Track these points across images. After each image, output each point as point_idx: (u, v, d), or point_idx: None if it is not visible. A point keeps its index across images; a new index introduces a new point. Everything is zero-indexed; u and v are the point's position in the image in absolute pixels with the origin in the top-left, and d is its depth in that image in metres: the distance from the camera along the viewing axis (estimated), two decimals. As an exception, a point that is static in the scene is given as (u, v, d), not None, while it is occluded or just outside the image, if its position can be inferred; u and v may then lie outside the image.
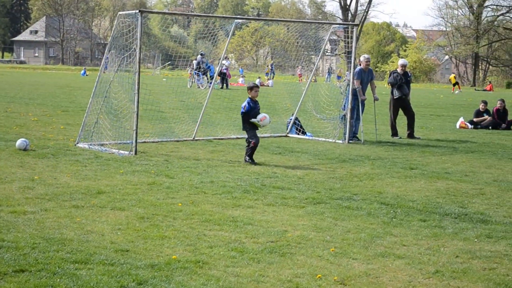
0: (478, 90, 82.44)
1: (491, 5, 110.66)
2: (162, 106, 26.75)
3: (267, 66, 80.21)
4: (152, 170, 13.06)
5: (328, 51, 79.27)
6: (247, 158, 14.52)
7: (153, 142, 17.32)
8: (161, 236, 8.25)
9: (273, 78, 71.97)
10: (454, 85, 71.62)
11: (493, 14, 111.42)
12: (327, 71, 78.68)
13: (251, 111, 14.63)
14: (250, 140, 14.53)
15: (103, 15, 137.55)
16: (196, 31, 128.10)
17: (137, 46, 15.53)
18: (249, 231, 8.71)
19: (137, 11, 15.63)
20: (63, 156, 14.25)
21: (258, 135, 15.11)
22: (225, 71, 48.16)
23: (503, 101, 26.90)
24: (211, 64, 45.40)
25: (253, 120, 14.54)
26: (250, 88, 14.89)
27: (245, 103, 14.76)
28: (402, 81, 21.28)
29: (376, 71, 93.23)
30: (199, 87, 41.66)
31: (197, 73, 43.03)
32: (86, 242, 7.85)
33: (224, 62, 46.22)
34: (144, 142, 16.97)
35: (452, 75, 77.91)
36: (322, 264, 7.45)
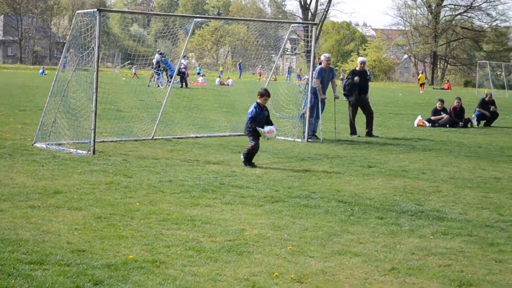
0: (436, 88, 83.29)
1: (449, 4, 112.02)
2: (121, 105, 26.61)
3: (222, 65, 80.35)
4: (110, 169, 12.99)
5: (288, 50, 79.49)
6: (245, 162, 14.16)
7: (111, 141, 17.22)
8: (118, 236, 8.21)
9: (240, 77, 72.20)
10: (421, 85, 72.42)
11: (451, 13, 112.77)
12: (287, 70, 78.97)
13: (257, 116, 14.35)
14: (252, 143, 14.25)
15: (62, 14, 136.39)
16: (156, 30, 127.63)
17: (95, 45, 15.43)
18: (207, 230, 8.71)
19: (96, 10, 15.54)
20: (20, 156, 14.12)
21: (217, 134, 15.01)
22: (183, 70, 48.02)
23: (460, 99, 27.22)
24: (171, 63, 45.22)
25: (259, 129, 14.28)
26: (261, 95, 14.50)
27: (252, 108, 14.43)
28: (350, 90, 21.47)
29: (336, 69, 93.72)
30: (158, 86, 41.53)
31: (157, 72, 42.87)
32: (42, 243, 7.78)
33: (182, 61, 46.07)
34: (103, 141, 16.86)
35: (422, 75, 78.75)
36: (279, 263, 7.47)
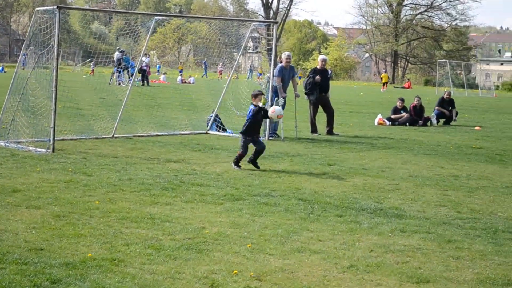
0: (397, 87, 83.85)
1: (409, 3, 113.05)
2: (81, 103, 26.43)
3: (181, 64, 79.98)
4: (70, 168, 12.89)
5: (250, 49, 79.52)
6: (233, 165, 13.92)
7: (71, 139, 17.09)
8: (77, 234, 8.16)
9: (205, 75, 72.09)
10: (384, 84, 72.66)
11: (411, 12, 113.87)
12: (249, 68, 79.01)
13: (257, 114, 14.03)
14: (241, 149, 13.98)
15: (22, 11, 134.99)
16: (118, 28, 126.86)
17: (55, 42, 15.32)
18: (166, 228, 8.69)
19: (55, 7, 15.42)
20: (-22, 154, 13.97)
21: (178, 132, 14.91)
22: (145, 68, 47.83)
23: (419, 98, 27.46)
24: (133, 61, 45.03)
25: (269, 115, 13.99)
26: (255, 96, 14.21)
27: (251, 107, 14.17)
28: (311, 89, 21.55)
29: (298, 68, 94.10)
30: (119, 84, 41.33)
31: (118, 70, 42.66)
32: (-1, 241, 7.72)
33: (144, 59, 45.90)
34: (62, 139, 16.73)
35: (385, 74, 79.07)
36: (239, 260, 7.48)
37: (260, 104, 14.27)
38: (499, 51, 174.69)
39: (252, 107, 14.17)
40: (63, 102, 19.28)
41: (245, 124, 14.21)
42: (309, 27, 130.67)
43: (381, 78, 77.31)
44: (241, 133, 14.24)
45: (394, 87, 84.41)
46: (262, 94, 14.52)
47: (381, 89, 69.97)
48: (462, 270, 7.51)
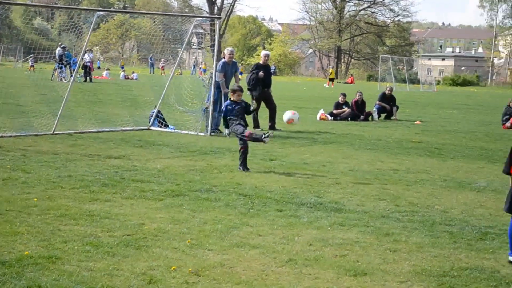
0: (340, 82, 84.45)
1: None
2: (21, 99, 26.06)
3: (123, 59, 79.69)
4: (8, 165, 12.72)
5: (194, 44, 79.35)
6: (240, 167, 13.55)
7: (10, 136, 16.85)
8: (13, 232, 8.06)
9: (153, 72, 71.89)
10: (330, 80, 72.81)
11: (355, 8, 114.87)
12: (192, 64, 78.83)
13: (232, 110, 13.90)
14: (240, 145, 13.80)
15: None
16: (60, 23, 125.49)
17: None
18: (105, 225, 8.64)
19: (-6, 2, 15.20)
20: None
21: (119, 128, 14.77)
22: (88, 64, 47.37)
23: (361, 93, 27.71)
24: (75, 57, 44.58)
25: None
26: (233, 91, 14.09)
27: (225, 105, 14.19)
28: (255, 85, 21.55)
29: (242, 64, 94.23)
30: (61, 80, 40.91)
31: (59, 66, 42.21)
32: None
33: (87, 55, 45.45)
34: (1, 136, 16.51)
35: (333, 70, 79.34)
36: (178, 256, 7.47)
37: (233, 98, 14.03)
38: (441, 46, 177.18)
39: (227, 103, 14.09)
40: (3, 98, 18.99)
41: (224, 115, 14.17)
42: (254, 23, 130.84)
43: (330, 73, 77.65)
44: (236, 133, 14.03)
45: (337, 82, 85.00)
46: (241, 90, 14.22)
47: (325, 84, 70.38)
48: (399, 263, 7.62)
